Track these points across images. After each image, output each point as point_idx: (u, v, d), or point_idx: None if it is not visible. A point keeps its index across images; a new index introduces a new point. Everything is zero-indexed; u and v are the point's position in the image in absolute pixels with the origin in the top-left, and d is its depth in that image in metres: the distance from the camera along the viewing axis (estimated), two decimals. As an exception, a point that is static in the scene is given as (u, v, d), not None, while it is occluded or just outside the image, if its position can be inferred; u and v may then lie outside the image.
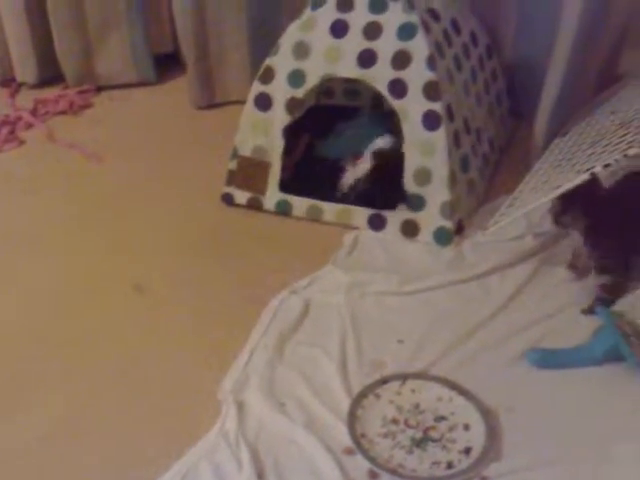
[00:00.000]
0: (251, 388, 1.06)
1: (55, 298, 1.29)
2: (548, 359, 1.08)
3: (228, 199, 1.50)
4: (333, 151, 1.51)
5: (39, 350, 1.17)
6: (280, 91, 1.39)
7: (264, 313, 1.20)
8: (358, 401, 1.02)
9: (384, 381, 1.06)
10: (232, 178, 1.48)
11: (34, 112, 1.94)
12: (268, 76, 1.40)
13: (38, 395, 1.09)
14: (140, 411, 1.05)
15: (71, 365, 1.14)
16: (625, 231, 1.16)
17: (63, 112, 1.95)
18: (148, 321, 1.22)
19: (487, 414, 1.00)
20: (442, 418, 1.01)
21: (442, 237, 1.36)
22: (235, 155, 1.47)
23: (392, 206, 1.38)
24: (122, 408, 1.06)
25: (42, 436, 1.01)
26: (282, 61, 1.38)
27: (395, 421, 1.01)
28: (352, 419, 0.99)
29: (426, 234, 1.37)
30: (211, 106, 1.94)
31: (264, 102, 1.41)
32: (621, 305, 1.15)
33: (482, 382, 1.05)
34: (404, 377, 1.07)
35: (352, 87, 1.65)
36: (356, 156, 1.44)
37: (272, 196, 1.45)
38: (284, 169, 1.46)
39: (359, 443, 0.96)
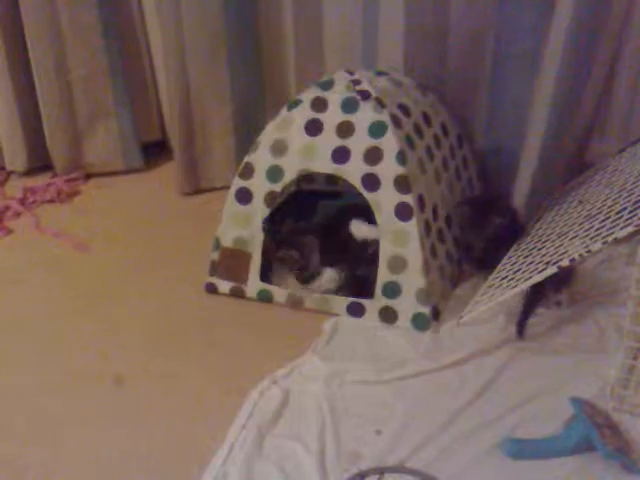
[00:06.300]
0: (229, 486, 1.06)
1: (34, 390, 1.28)
2: (522, 450, 1.09)
3: (211, 288, 1.53)
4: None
5: (17, 450, 1.16)
6: (259, 186, 1.44)
7: (244, 405, 1.21)
8: (336, 498, 1.03)
9: (362, 476, 1.07)
10: (215, 268, 1.52)
11: (22, 201, 1.97)
12: (248, 172, 1.45)
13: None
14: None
15: (50, 463, 1.13)
16: None
17: (51, 200, 1.99)
18: (128, 416, 1.22)
19: (463, 509, 1.01)
20: (418, 513, 1.01)
21: (420, 323, 1.39)
22: (217, 246, 1.51)
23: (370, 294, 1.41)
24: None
25: None
26: (261, 158, 1.43)
27: (372, 518, 1.01)
28: (329, 517, 1.00)
29: (404, 320, 1.40)
30: (196, 192, 1.99)
31: (244, 196, 1.46)
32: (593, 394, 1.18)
33: (458, 474, 1.07)
34: (381, 471, 1.07)
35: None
36: None
37: (253, 285, 1.49)
38: (268, 253, 1.49)
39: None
